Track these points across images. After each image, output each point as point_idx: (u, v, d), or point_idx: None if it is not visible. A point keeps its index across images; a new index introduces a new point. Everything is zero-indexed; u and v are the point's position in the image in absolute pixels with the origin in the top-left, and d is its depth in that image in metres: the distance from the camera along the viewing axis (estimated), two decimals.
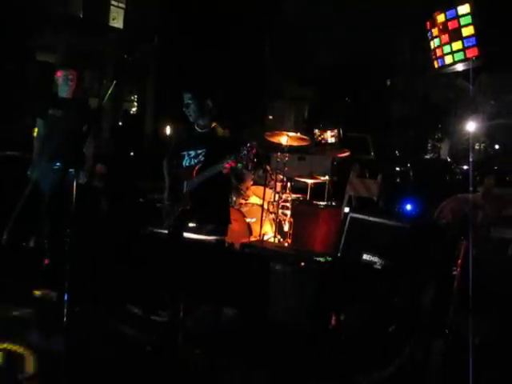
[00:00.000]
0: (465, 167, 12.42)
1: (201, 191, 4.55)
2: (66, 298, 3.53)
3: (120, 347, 4.18)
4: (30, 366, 3.72)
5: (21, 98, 10.46)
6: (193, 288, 3.76)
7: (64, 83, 5.83)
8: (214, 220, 4.62)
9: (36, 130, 5.86)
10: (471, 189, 4.05)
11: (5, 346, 3.94)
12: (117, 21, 17.87)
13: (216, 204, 4.68)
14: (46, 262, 5.72)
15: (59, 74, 5.84)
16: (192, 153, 4.70)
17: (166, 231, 4.42)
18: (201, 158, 4.64)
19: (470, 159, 4.08)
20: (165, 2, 17.62)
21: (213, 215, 4.63)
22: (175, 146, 4.98)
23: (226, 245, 4.36)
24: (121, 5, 17.91)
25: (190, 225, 4.47)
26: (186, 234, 4.11)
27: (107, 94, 4.40)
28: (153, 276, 3.90)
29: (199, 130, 4.76)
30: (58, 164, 5.67)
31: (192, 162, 4.68)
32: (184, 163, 4.74)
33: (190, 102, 4.67)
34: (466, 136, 11.06)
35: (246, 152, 4.25)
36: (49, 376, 3.58)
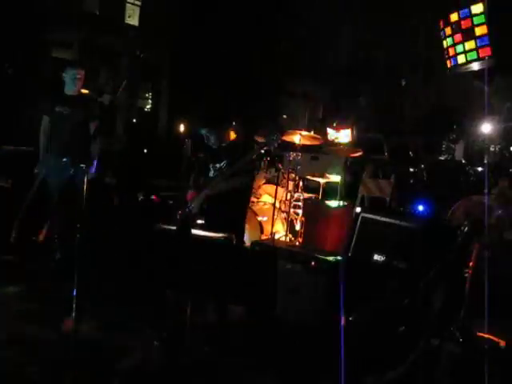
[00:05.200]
0: (479, 169, 12.29)
1: (219, 198, 4.57)
2: (74, 293, 3.57)
3: (129, 342, 4.19)
4: None
5: (34, 94, 10.51)
6: (201, 285, 3.76)
7: (71, 82, 5.82)
8: (225, 228, 4.59)
9: (42, 126, 5.86)
10: (486, 191, 4.01)
11: None
12: (132, 18, 17.91)
13: (231, 214, 4.67)
14: (58, 257, 5.76)
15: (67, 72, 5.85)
16: (217, 165, 4.82)
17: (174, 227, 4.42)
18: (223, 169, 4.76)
19: (485, 161, 4.02)
20: (180, 1, 17.65)
21: (225, 223, 4.59)
22: (204, 161, 5.09)
23: (234, 242, 4.34)
24: (137, 2, 17.95)
25: (199, 222, 4.47)
26: (194, 231, 4.11)
27: (119, 91, 4.43)
28: (161, 273, 3.90)
29: (223, 145, 4.87)
30: (65, 160, 5.68)
31: (216, 173, 4.81)
32: (210, 175, 4.86)
33: (208, 135, 4.81)
34: (482, 138, 10.95)
35: (274, 138, 4.43)
36: (60, 370, 3.61)
